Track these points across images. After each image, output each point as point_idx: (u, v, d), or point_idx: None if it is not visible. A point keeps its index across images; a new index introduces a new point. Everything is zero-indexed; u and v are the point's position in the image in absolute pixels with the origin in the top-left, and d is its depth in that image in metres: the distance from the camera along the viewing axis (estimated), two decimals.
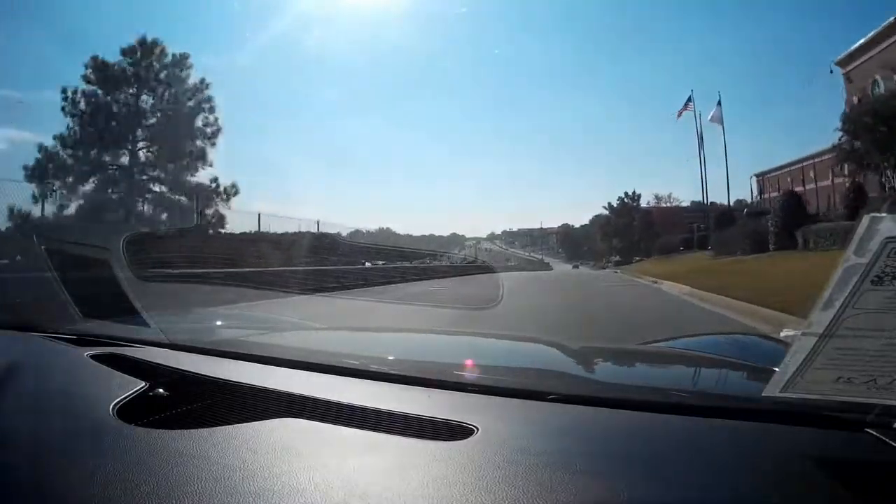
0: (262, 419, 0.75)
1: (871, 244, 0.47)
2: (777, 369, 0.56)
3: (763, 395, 0.57)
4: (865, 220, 0.47)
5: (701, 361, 1.30)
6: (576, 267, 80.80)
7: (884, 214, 0.47)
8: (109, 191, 24.70)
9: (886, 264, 0.47)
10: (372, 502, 0.55)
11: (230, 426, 0.72)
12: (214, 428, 0.72)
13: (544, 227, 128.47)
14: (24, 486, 0.60)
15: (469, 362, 1.18)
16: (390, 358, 1.16)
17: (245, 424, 0.73)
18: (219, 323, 1.76)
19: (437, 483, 0.58)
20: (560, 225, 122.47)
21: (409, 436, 0.69)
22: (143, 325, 1.44)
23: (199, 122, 25.71)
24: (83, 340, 1.18)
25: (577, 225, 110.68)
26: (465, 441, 0.67)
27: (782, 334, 0.92)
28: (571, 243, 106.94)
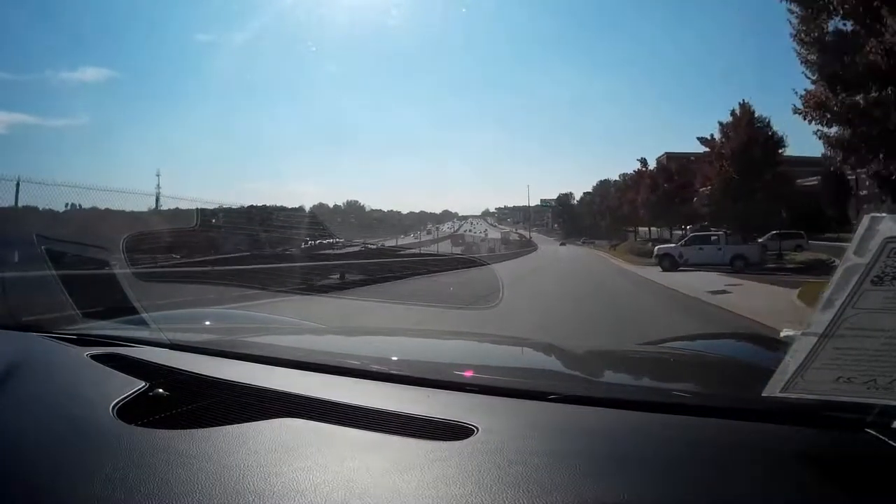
0: (262, 419, 0.75)
1: (871, 244, 0.47)
2: (777, 369, 0.56)
3: (763, 395, 0.57)
4: (865, 220, 0.47)
5: (701, 361, 1.30)
6: (562, 244, 68.19)
7: (884, 214, 0.47)
8: None
9: (886, 264, 0.47)
10: (372, 502, 0.55)
11: (230, 426, 0.72)
12: (214, 428, 0.72)
13: (542, 199, 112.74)
14: (25, 485, 0.60)
15: (469, 363, 1.18)
16: (391, 358, 1.16)
17: (245, 424, 0.73)
18: (219, 323, 1.75)
19: (437, 483, 0.58)
20: (557, 196, 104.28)
21: (409, 436, 0.69)
22: (143, 325, 1.44)
23: None
24: (83, 340, 1.18)
25: (577, 196, 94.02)
26: (465, 441, 0.67)
27: (782, 334, 0.92)
28: (569, 217, 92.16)
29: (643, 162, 40.97)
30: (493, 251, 39.83)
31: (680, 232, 35.51)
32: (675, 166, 33.80)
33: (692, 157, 32.20)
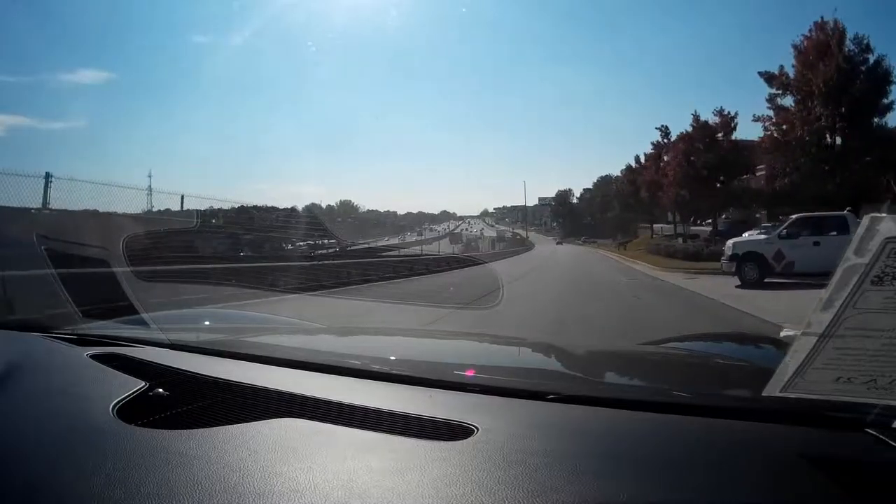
0: (262, 419, 0.75)
1: (871, 244, 0.47)
2: (777, 369, 0.56)
3: (763, 395, 0.57)
4: (865, 220, 0.47)
5: (701, 361, 1.30)
6: (559, 243, 63.32)
7: (884, 214, 0.47)
8: None
9: (886, 264, 0.47)
10: (372, 502, 0.55)
11: (230, 426, 0.72)
12: (214, 428, 0.72)
13: (540, 198, 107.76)
14: (25, 485, 0.60)
15: (469, 363, 1.18)
16: (391, 358, 1.16)
17: (245, 424, 0.73)
18: (219, 323, 1.75)
19: (437, 483, 0.58)
20: (556, 193, 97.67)
21: (410, 436, 0.69)
22: (143, 325, 1.44)
23: None
24: (83, 340, 1.18)
25: (576, 194, 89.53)
26: (465, 441, 0.67)
27: (782, 334, 0.92)
28: (567, 215, 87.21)
29: (664, 131, 30.18)
30: (473, 250, 36.35)
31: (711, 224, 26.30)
32: (719, 121, 23.64)
33: (732, 115, 22.61)
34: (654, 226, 38.85)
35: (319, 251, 18.24)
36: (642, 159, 36.87)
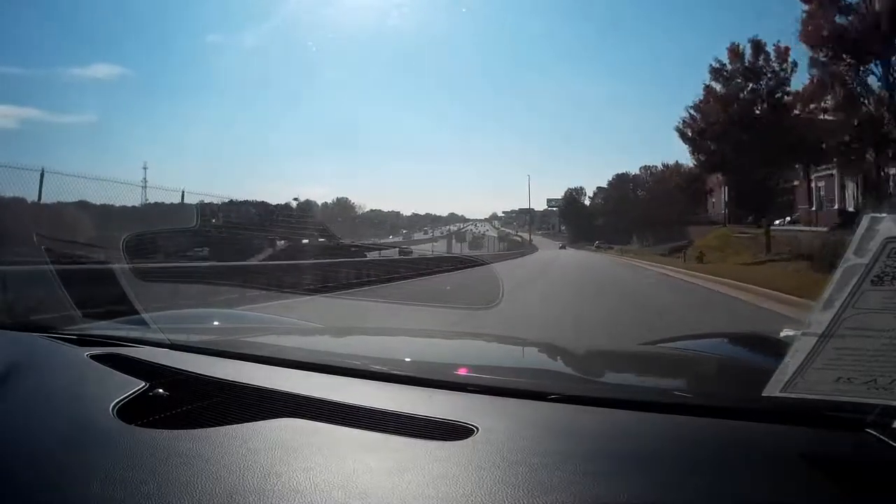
0: (262, 419, 0.75)
1: (871, 244, 0.47)
2: (777, 369, 0.56)
3: (763, 395, 0.57)
4: (865, 220, 0.47)
5: (701, 361, 1.30)
6: (563, 247, 56.74)
7: (884, 214, 0.47)
8: None
9: (886, 264, 0.47)
10: (372, 502, 0.55)
11: (230, 426, 0.72)
12: (214, 428, 0.72)
13: (548, 199, 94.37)
14: (25, 485, 0.60)
15: (469, 362, 1.18)
16: (391, 358, 1.16)
17: (245, 424, 0.73)
18: (219, 323, 1.75)
19: (437, 483, 0.58)
20: (564, 192, 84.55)
21: (410, 436, 0.69)
22: (143, 325, 1.44)
23: None
24: (83, 340, 1.18)
25: (588, 193, 79.07)
26: (465, 441, 0.67)
27: (782, 334, 0.92)
28: (573, 215, 78.75)
29: None
30: (477, 248, 35.37)
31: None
32: None
33: None
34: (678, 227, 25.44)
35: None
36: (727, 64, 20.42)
